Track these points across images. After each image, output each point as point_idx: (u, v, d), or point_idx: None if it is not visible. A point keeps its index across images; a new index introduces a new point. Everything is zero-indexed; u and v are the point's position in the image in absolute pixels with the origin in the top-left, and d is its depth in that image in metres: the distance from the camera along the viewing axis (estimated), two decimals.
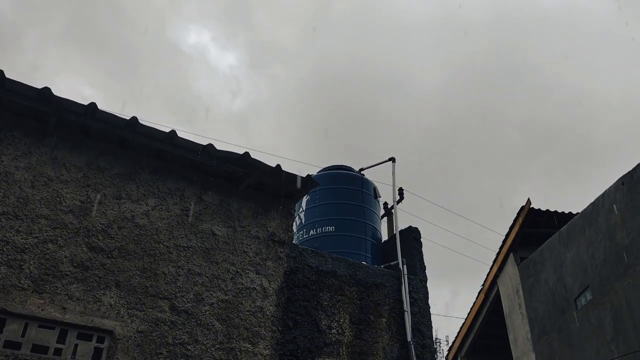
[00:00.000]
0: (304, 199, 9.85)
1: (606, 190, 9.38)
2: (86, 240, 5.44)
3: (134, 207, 5.85)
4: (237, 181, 6.55)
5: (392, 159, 10.07)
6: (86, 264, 5.34)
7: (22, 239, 5.14)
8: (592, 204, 9.79)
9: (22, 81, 5.41)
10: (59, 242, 5.30)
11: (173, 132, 6.05)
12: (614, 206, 9.03)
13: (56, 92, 5.52)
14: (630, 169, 8.72)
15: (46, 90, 5.47)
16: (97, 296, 5.27)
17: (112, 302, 5.30)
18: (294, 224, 9.15)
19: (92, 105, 5.68)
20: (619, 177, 9.00)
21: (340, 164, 10.83)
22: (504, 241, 12.57)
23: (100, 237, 5.52)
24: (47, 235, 5.28)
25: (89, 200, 5.64)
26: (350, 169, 10.63)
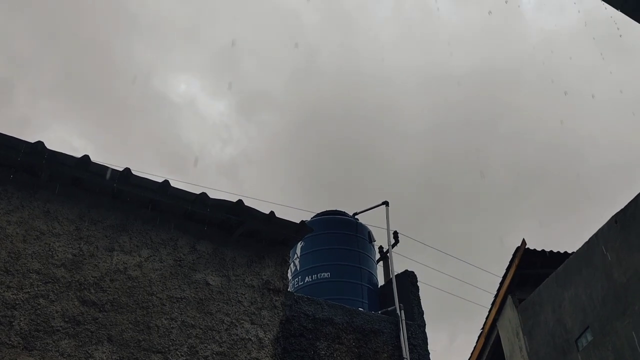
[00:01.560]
0: (299, 246, 9.79)
1: (600, 229, 9.40)
2: (78, 294, 5.36)
3: (127, 259, 5.79)
4: (231, 229, 6.52)
5: (386, 203, 10.10)
6: (78, 318, 5.24)
7: (12, 294, 5.06)
8: (586, 243, 9.79)
9: (13, 135, 5.45)
10: (50, 297, 5.21)
11: (166, 182, 6.06)
12: (609, 244, 9.03)
13: (47, 144, 5.55)
14: (622, 207, 8.77)
15: (39, 144, 5.49)
16: (89, 352, 5.14)
17: (104, 358, 5.17)
18: (289, 271, 9.06)
19: (85, 157, 5.70)
20: (612, 215, 9.04)
21: (334, 208, 10.82)
22: (501, 283, 12.48)
23: (92, 291, 5.44)
24: (39, 290, 5.19)
25: (81, 253, 5.58)
26: (344, 213, 10.63)
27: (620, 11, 4.26)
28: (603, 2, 4.35)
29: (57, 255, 5.45)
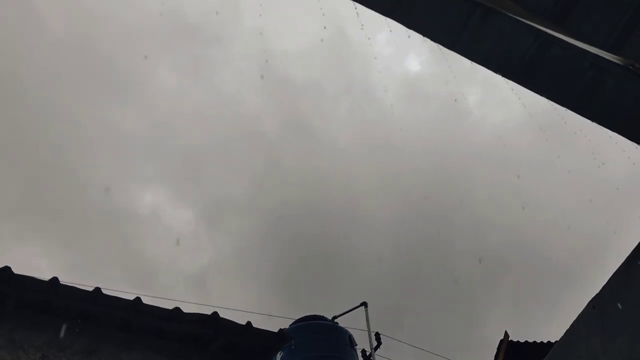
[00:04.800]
0: (279, 355, 9.45)
1: (579, 315, 9.37)
2: None
3: None
4: (207, 344, 6.29)
5: (364, 304, 9.97)
6: None
7: None
8: (567, 332, 9.70)
9: None
10: None
11: (138, 299, 5.90)
12: (591, 331, 8.97)
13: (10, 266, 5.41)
14: (597, 291, 8.82)
15: (6, 269, 5.35)
16: None
17: None
18: None
19: (54, 280, 5.56)
20: (588, 300, 9.06)
21: (312, 313, 10.61)
22: None
23: None
24: None
25: None
26: (323, 318, 10.40)
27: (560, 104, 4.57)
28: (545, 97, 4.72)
29: None
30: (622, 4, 4.06)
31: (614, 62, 4.18)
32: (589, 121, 4.58)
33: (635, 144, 4.59)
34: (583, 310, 9.39)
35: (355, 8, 4.43)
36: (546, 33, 4.20)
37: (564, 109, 4.62)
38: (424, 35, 4.44)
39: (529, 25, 4.21)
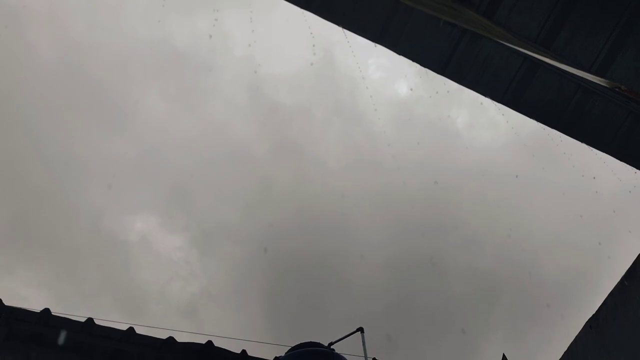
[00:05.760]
0: None
1: (577, 337, 9.32)
2: None
3: None
4: None
5: (361, 329, 9.83)
6: None
7: None
8: (565, 353, 9.64)
9: None
10: None
11: (131, 329, 5.83)
12: (589, 352, 8.92)
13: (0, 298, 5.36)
14: (594, 311, 8.80)
15: None
16: None
17: None
18: None
19: (46, 311, 5.50)
20: (585, 320, 9.03)
21: (308, 340, 10.47)
22: None
23: None
24: None
25: None
26: (319, 344, 10.26)
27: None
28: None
29: None
30: (607, 27, 4.15)
31: (601, 85, 4.24)
32: (578, 142, 4.63)
33: (625, 164, 4.63)
34: (580, 331, 9.36)
35: (346, 35, 4.49)
36: (533, 57, 4.28)
37: (554, 130, 4.68)
38: (413, 61, 4.51)
39: (515, 49, 4.28)
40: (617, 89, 4.16)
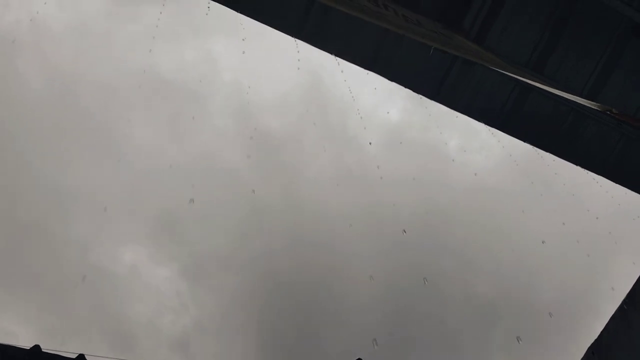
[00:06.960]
0: None
1: None
2: None
3: None
4: None
5: None
6: None
7: None
8: None
9: None
10: None
11: None
12: None
13: None
14: (595, 337, 8.67)
15: None
16: None
17: None
18: None
19: (36, 348, 5.36)
20: (587, 347, 8.89)
21: None
22: None
23: None
24: None
25: None
26: None
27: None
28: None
29: None
30: (597, 51, 4.18)
31: (592, 108, 4.26)
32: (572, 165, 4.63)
33: (618, 186, 4.62)
34: (583, 357, 9.20)
35: (338, 63, 4.51)
36: (524, 82, 4.30)
37: (547, 153, 4.68)
38: (406, 87, 4.52)
39: (507, 75, 4.30)
40: (608, 112, 4.17)
